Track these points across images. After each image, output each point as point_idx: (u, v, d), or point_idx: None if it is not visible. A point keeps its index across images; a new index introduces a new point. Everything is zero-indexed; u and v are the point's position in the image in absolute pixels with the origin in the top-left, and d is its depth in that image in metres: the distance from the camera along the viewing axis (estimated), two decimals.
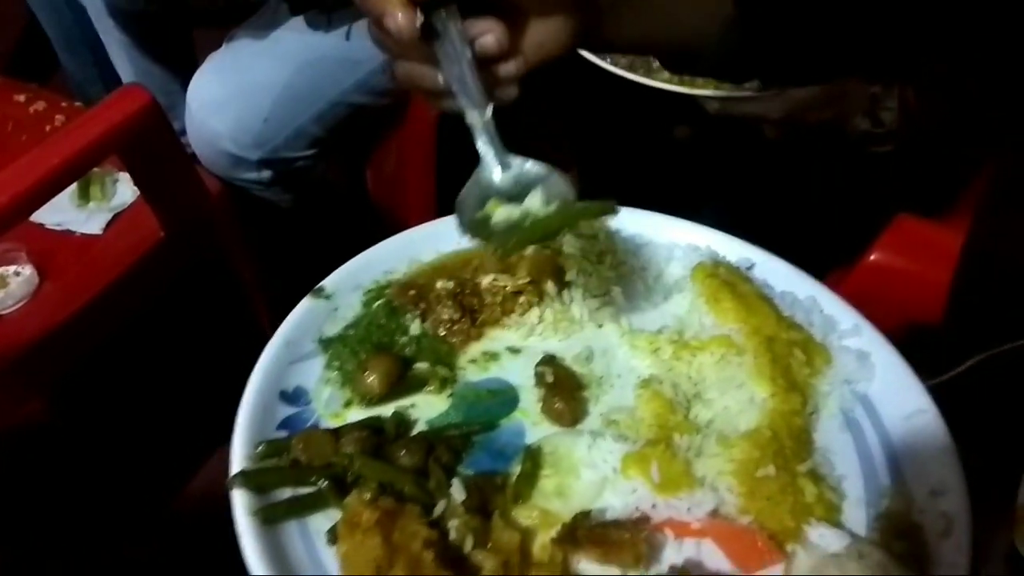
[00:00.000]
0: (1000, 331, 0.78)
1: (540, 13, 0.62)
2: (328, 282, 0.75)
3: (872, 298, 0.77)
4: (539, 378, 0.69)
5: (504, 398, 0.70)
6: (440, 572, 0.55)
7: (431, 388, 0.69)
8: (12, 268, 1.12)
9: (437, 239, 0.79)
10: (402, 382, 0.69)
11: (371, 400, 0.68)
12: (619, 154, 1.08)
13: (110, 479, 1.24)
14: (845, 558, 0.58)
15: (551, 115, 1.02)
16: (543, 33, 0.63)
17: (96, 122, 1.01)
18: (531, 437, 0.67)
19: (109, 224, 1.21)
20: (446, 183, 1.29)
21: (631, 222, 0.81)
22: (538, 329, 0.74)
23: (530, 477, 0.62)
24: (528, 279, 0.74)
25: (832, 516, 0.61)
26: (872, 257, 0.90)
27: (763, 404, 0.67)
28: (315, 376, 0.70)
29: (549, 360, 0.71)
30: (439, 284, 0.74)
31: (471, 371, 0.72)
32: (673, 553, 0.60)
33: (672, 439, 0.65)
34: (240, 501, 0.58)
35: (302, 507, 0.60)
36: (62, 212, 1.20)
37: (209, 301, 1.31)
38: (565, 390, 0.68)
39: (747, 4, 0.70)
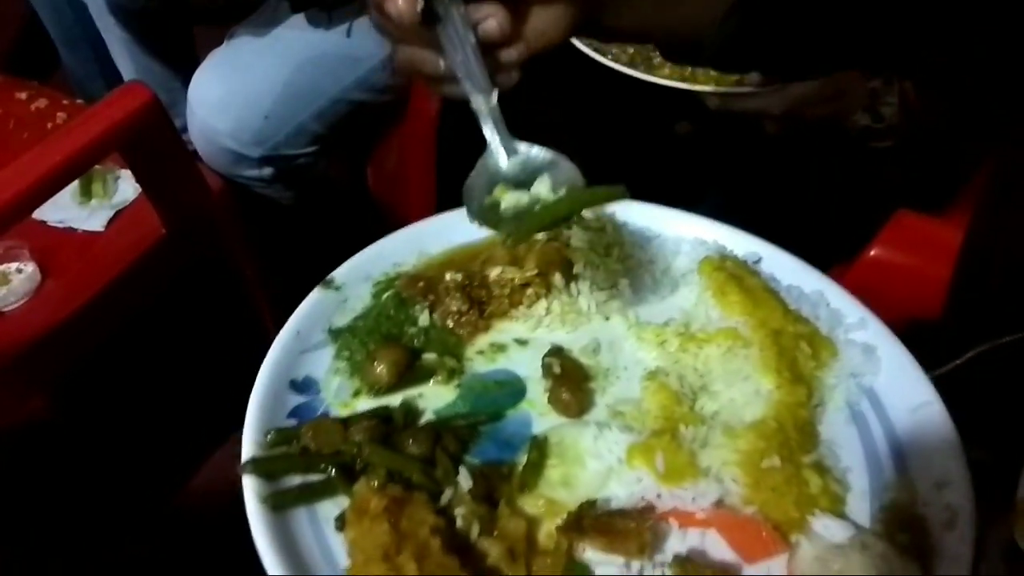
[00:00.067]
0: (1000, 325, 0.78)
1: None
2: (338, 273, 0.76)
3: (872, 293, 0.77)
4: (546, 369, 0.70)
5: (511, 389, 0.70)
6: (447, 559, 0.55)
7: (439, 378, 0.70)
8: (14, 265, 1.12)
9: (446, 232, 0.80)
10: (410, 372, 0.69)
11: (380, 390, 0.68)
12: (619, 149, 1.08)
13: (112, 476, 1.24)
14: (849, 549, 0.58)
15: (551, 105, 1.02)
16: (545, 19, 0.63)
17: (97, 119, 1.00)
18: (538, 427, 0.67)
19: (111, 221, 1.21)
20: (447, 180, 1.29)
21: (639, 215, 0.82)
22: (545, 321, 0.75)
23: (536, 466, 0.63)
24: (536, 271, 0.74)
25: (836, 507, 0.62)
26: (872, 252, 0.90)
27: (769, 396, 0.67)
28: (325, 366, 0.70)
29: (556, 351, 0.71)
30: (448, 276, 0.75)
31: (479, 362, 0.72)
32: (677, 543, 0.60)
33: (678, 430, 0.65)
34: (251, 487, 0.59)
35: (311, 494, 0.60)
36: (64, 209, 1.20)
37: (211, 298, 1.30)
38: (572, 381, 0.69)
39: None
